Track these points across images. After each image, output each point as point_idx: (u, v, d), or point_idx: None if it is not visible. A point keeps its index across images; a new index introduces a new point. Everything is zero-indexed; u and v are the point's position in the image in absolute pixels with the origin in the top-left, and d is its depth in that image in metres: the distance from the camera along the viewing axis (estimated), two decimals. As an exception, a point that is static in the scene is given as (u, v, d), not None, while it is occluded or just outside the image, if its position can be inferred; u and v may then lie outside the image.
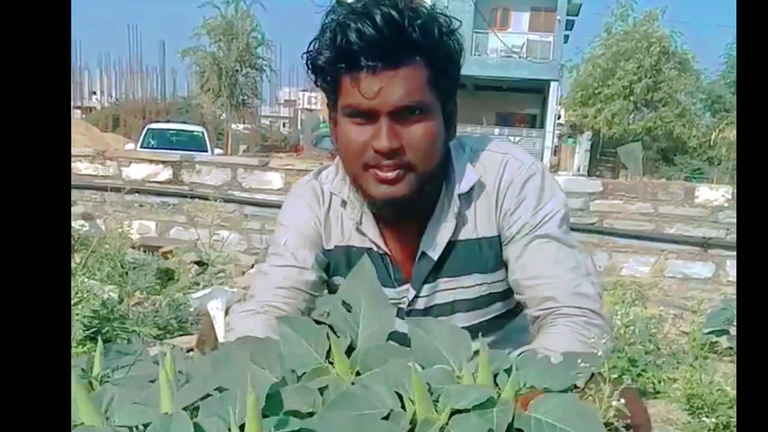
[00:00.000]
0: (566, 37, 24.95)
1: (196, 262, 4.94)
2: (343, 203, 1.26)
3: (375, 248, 1.25)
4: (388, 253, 1.25)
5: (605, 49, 20.30)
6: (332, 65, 1.09)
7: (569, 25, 25.19)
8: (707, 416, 2.32)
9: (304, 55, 1.13)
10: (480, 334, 1.25)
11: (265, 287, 1.28)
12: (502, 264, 1.23)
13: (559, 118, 24.90)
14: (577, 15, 25.38)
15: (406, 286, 1.25)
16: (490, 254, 1.22)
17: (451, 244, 1.21)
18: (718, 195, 5.09)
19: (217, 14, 19.86)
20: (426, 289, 1.25)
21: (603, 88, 19.98)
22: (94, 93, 33.43)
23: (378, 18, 1.04)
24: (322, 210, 1.28)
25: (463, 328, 1.23)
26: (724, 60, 20.85)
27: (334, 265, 1.30)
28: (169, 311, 3.52)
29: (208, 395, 0.78)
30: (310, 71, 1.14)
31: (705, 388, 2.45)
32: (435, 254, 1.21)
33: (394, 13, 1.05)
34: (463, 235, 1.21)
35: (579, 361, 0.88)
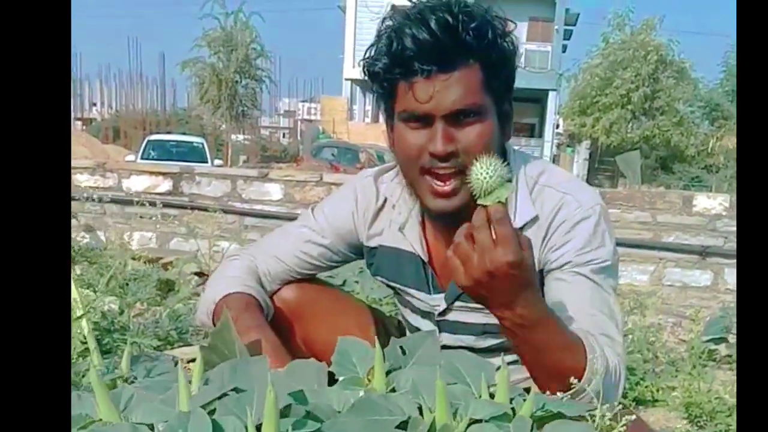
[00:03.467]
0: (564, 47, 25.04)
1: (197, 273, 4.93)
2: (393, 206, 1.29)
3: (419, 255, 1.27)
4: (426, 261, 1.27)
5: (603, 58, 20.33)
6: (388, 71, 1.12)
7: (567, 35, 25.29)
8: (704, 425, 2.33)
9: (361, 62, 1.16)
10: (508, 351, 1.28)
11: (270, 243, 1.38)
12: None
13: (557, 127, 24.92)
14: (574, 25, 25.48)
15: (441, 296, 1.27)
16: None
17: None
18: (716, 203, 5.10)
19: (216, 26, 19.91)
20: (458, 305, 1.26)
21: (601, 97, 19.99)
22: (95, 104, 33.44)
23: (432, 23, 1.06)
24: (371, 208, 1.31)
25: (493, 345, 1.28)
26: (722, 68, 20.92)
27: (377, 264, 1.34)
28: (170, 322, 3.51)
29: (225, 395, 0.80)
30: (366, 77, 1.16)
31: (703, 396, 2.45)
32: None
33: (448, 17, 1.07)
34: None
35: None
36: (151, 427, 0.77)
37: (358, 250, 1.36)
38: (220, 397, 0.80)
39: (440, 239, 1.26)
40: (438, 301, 1.28)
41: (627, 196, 5.37)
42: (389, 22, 1.11)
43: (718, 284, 5.02)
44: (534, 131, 24.90)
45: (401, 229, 1.26)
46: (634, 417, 0.85)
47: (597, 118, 20.14)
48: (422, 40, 1.06)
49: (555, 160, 23.98)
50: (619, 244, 4.62)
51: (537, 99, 23.48)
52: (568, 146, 24.76)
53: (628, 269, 5.12)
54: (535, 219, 1.18)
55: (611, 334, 1.10)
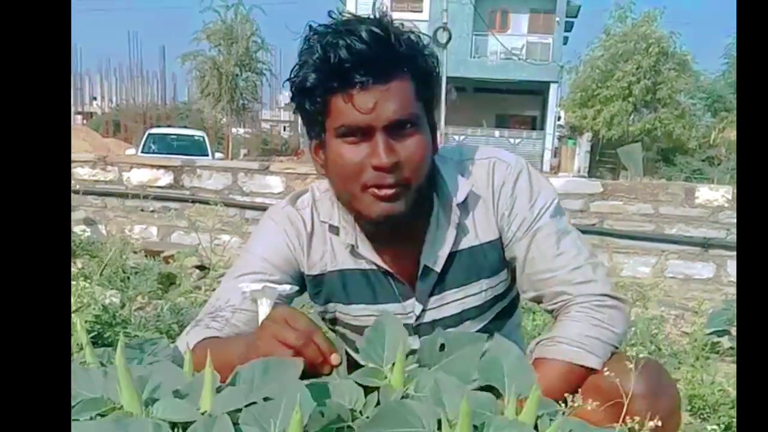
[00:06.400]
0: (565, 39, 24.99)
1: (198, 267, 4.94)
2: (335, 229, 1.24)
3: (375, 268, 1.24)
4: (390, 271, 1.24)
5: (604, 50, 20.32)
6: (323, 85, 1.08)
7: (568, 27, 25.21)
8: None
9: (287, 83, 1.13)
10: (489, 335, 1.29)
11: (218, 301, 1.23)
12: (504, 265, 1.25)
13: (559, 119, 24.91)
14: (576, 17, 25.40)
15: (412, 300, 1.26)
16: (494, 257, 1.24)
17: (453, 255, 1.22)
18: (718, 195, 5.09)
19: (216, 19, 19.89)
20: (433, 301, 1.26)
21: (602, 90, 20.00)
22: (95, 98, 33.51)
23: (364, 34, 1.05)
24: (303, 236, 1.25)
25: (475, 332, 1.26)
26: (725, 60, 20.87)
27: (327, 291, 1.28)
28: (171, 315, 3.51)
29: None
30: (295, 96, 1.13)
31: (707, 389, 2.45)
32: (437, 266, 1.22)
33: (377, 29, 1.07)
34: (465, 244, 1.22)
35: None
36: (173, 424, 0.76)
37: (303, 282, 1.30)
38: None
39: (391, 248, 1.24)
40: (412, 307, 1.26)
41: (629, 188, 5.37)
42: (315, 38, 1.09)
43: (720, 276, 5.02)
44: (535, 123, 24.88)
45: (355, 249, 1.23)
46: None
47: (598, 110, 20.14)
48: (359, 50, 1.05)
49: (557, 152, 24.00)
50: (620, 236, 4.65)
51: (538, 91, 23.46)
52: (569, 138, 24.75)
53: (630, 261, 5.13)
54: (473, 193, 1.20)
55: (586, 275, 1.16)
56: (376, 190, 1.11)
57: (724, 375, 2.61)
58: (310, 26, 1.11)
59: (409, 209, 1.13)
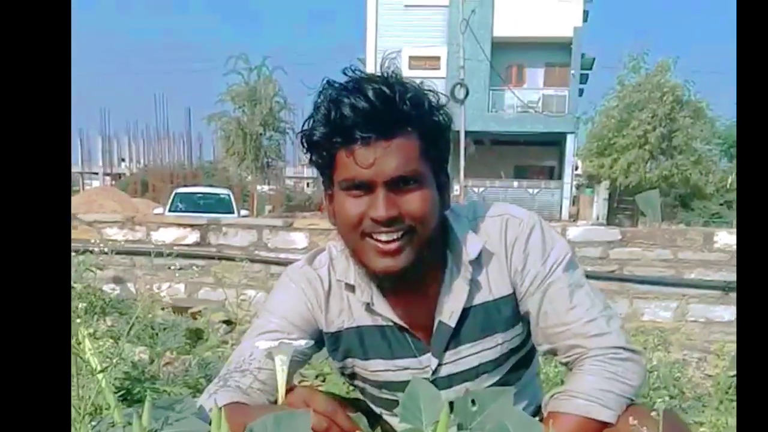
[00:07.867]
0: (581, 91, 25.21)
1: (225, 321, 5.01)
2: (351, 288, 1.26)
3: (391, 324, 1.26)
4: (405, 326, 1.26)
5: (619, 100, 20.43)
6: (327, 140, 1.13)
7: (583, 79, 25.47)
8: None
9: (298, 135, 1.18)
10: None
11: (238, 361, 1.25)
12: (518, 319, 1.27)
13: (576, 169, 24.93)
14: (590, 69, 25.68)
15: (428, 355, 1.27)
16: (508, 312, 1.24)
17: (467, 311, 1.24)
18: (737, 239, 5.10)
19: (240, 81, 20.40)
20: (448, 356, 1.27)
21: (618, 139, 20.03)
22: (123, 160, 34.20)
23: (369, 92, 1.09)
24: (321, 294, 1.28)
25: (489, 386, 1.28)
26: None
27: (344, 347, 1.30)
28: (199, 370, 3.56)
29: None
30: (305, 149, 1.18)
31: None
32: (452, 322, 1.23)
33: (384, 88, 1.11)
34: (478, 300, 1.24)
35: None
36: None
37: (321, 339, 1.32)
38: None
39: (406, 303, 1.26)
40: (428, 361, 1.27)
41: (648, 234, 5.40)
42: (326, 95, 1.13)
43: (743, 320, 4.97)
44: (553, 173, 24.93)
45: (371, 306, 1.25)
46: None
47: (615, 158, 20.14)
48: (361, 108, 1.09)
49: (575, 201, 23.97)
50: (640, 281, 4.66)
51: (555, 142, 23.57)
52: (587, 187, 24.73)
53: (651, 306, 5.12)
54: (486, 250, 1.22)
55: (600, 327, 1.17)
56: (378, 244, 1.14)
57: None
58: (328, 81, 1.14)
59: (412, 264, 1.15)
